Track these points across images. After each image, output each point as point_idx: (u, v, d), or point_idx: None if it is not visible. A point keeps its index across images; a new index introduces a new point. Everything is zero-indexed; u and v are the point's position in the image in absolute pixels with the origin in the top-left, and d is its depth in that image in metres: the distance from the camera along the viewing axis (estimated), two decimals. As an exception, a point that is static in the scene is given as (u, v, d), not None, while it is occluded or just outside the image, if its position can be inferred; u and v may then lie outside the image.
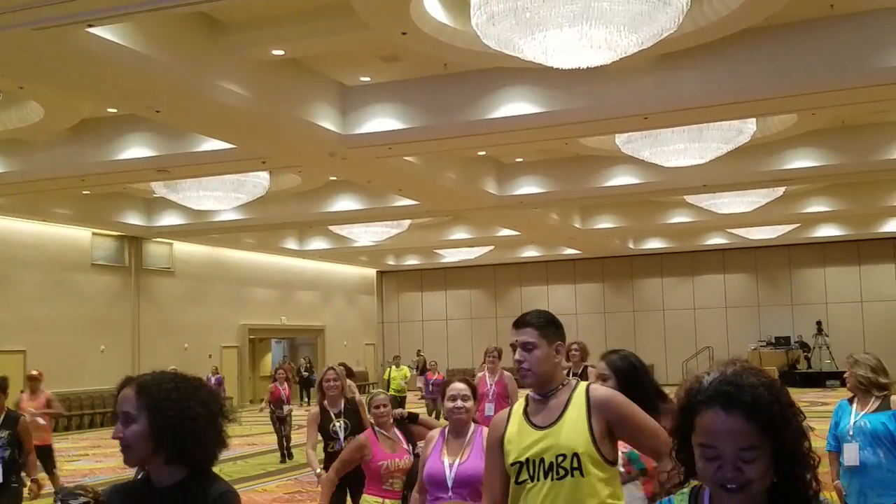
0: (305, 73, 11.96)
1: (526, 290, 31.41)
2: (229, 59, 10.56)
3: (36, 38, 8.59)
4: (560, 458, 2.66)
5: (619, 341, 30.65)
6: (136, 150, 14.00)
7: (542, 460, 2.68)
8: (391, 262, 31.53)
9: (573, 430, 2.70)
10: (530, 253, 29.29)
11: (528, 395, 2.87)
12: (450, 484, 3.70)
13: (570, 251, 28.66)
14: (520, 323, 2.82)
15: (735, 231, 25.58)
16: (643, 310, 30.45)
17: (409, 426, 5.06)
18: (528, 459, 2.70)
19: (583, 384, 2.83)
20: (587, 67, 9.94)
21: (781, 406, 1.59)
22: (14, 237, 19.31)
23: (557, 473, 2.66)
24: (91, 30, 8.55)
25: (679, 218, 23.00)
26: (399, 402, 17.70)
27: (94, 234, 21.28)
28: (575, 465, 2.65)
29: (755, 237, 25.86)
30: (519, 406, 2.86)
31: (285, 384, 13.89)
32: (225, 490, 2.19)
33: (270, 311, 27.29)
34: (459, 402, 3.81)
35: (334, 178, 17.91)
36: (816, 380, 25.37)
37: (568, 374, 8.92)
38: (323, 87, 12.31)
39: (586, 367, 8.54)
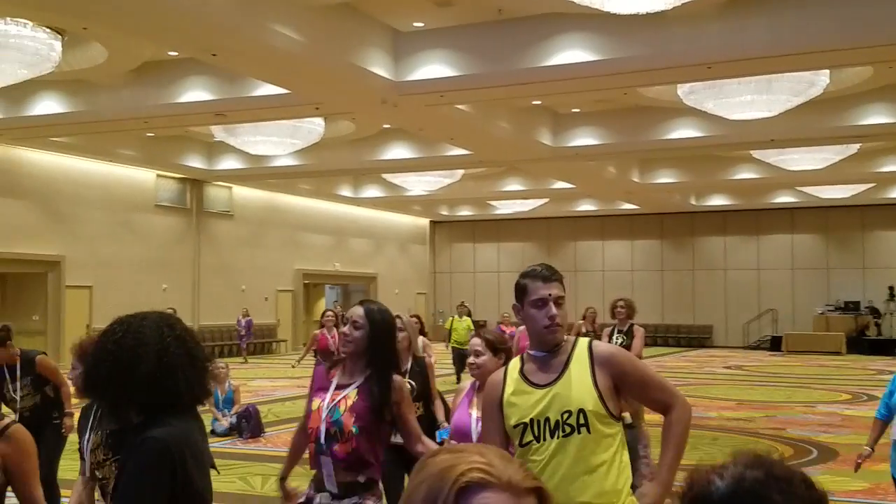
0: (359, 18, 11.88)
1: (580, 245, 31.08)
2: (283, 3, 10.55)
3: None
4: (565, 415, 2.59)
5: (677, 299, 30.37)
6: (195, 93, 14.18)
7: (546, 419, 2.61)
8: (444, 213, 31.53)
9: (578, 386, 2.62)
10: (586, 207, 28.89)
11: (525, 353, 2.78)
12: (474, 437, 3.60)
13: (627, 206, 28.20)
14: (548, 277, 2.70)
15: (804, 189, 24.84)
16: (703, 268, 29.86)
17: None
18: (532, 420, 2.63)
19: (584, 340, 2.74)
20: (647, 13, 9.70)
21: None
22: (82, 177, 19.82)
23: (563, 430, 2.59)
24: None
25: (744, 174, 22.38)
26: (462, 354, 17.48)
27: (158, 175, 21.73)
28: (581, 421, 2.58)
29: (826, 196, 25.02)
30: (514, 366, 2.77)
31: (334, 331, 10.98)
32: (149, 436, 2.10)
33: (325, 257, 27.59)
34: (471, 359, 3.73)
35: (388, 126, 17.89)
36: (886, 347, 24.55)
37: (613, 332, 8.72)
38: (376, 32, 12.22)
39: (632, 325, 8.34)
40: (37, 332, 19.00)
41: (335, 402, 3.28)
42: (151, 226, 21.63)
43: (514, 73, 12.21)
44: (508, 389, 2.70)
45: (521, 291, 2.72)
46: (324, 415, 3.27)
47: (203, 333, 19.61)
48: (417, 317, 7.42)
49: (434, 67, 12.42)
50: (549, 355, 2.69)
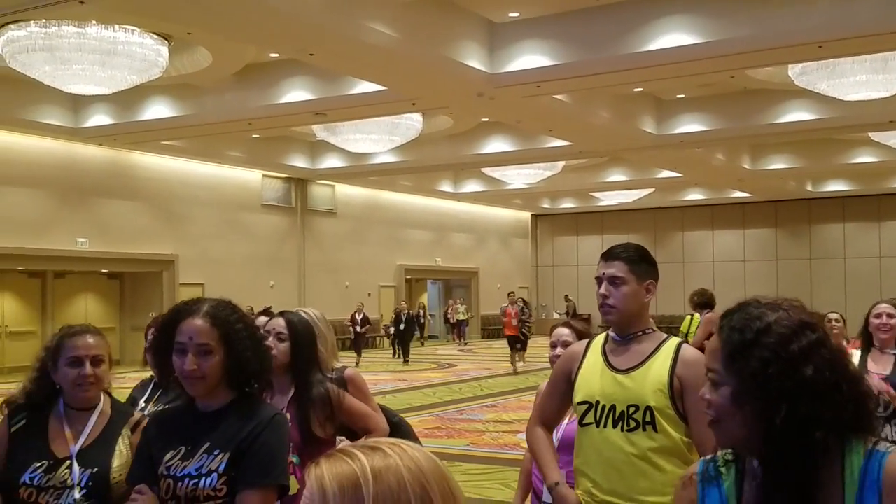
0: (453, 11, 11.78)
1: (689, 235, 30.18)
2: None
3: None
4: (632, 409, 2.48)
5: (793, 290, 28.80)
6: (295, 93, 14.43)
7: (612, 407, 2.50)
8: (546, 206, 31.16)
9: (652, 381, 2.47)
10: (694, 196, 28.06)
11: (608, 332, 2.67)
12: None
13: (738, 194, 27.20)
14: (609, 255, 2.61)
15: (928, 172, 23.37)
16: (821, 257, 28.55)
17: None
18: (597, 402, 2.54)
19: (676, 339, 2.58)
20: (751, -9, 9.24)
21: (760, 350, 1.44)
22: (193, 178, 20.51)
23: (628, 424, 2.48)
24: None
25: (863, 157, 21.30)
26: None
27: (264, 175, 22.29)
28: (648, 419, 2.45)
29: (952, 179, 23.50)
30: (598, 341, 2.67)
31: None
32: (276, 412, 2.30)
33: (426, 253, 27.76)
34: (559, 350, 3.33)
35: (485, 120, 17.75)
36: None
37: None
38: (471, 24, 12.10)
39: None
40: (154, 329, 19.79)
41: None
42: (258, 224, 22.19)
43: (613, 59, 11.86)
44: (586, 363, 2.62)
45: None
46: None
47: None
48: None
49: (530, 58, 12.20)
50: (632, 341, 2.56)
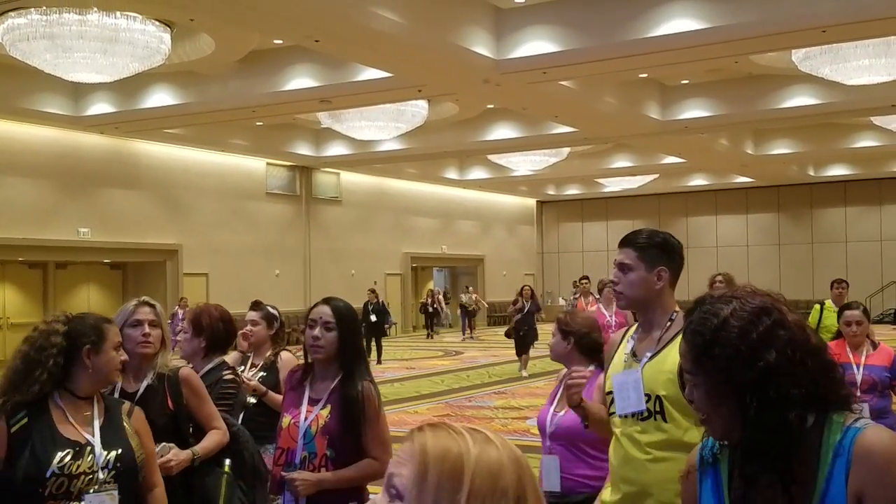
0: (460, -3, 11.77)
1: (693, 221, 30.22)
2: (383, -16, 10.54)
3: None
4: (645, 399, 2.45)
5: (795, 274, 29.16)
6: (300, 80, 14.38)
7: None
8: (551, 192, 31.18)
9: (665, 370, 2.41)
10: (698, 181, 28.11)
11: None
12: (548, 431, 3.36)
13: (741, 179, 27.27)
14: (622, 242, 2.62)
15: (930, 156, 23.40)
16: (823, 241, 28.65)
17: None
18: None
19: None
20: (757, -24, 9.25)
21: (721, 347, 1.49)
22: (196, 167, 20.41)
23: (641, 414, 2.46)
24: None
25: (865, 142, 21.33)
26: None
27: (268, 164, 22.23)
28: (657, 408, 2.43)
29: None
30: (632, 329, 2.67)
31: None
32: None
33: (432, 240, 27.75)
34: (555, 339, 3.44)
35: (491, 106, 17.75)
36: None
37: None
38: (477, 10, 12.09)
39: None
40: (158, 319, 19.76)
41: (308, 420, 2.94)
42: (263, 213, 22.15)
43: (618, 45, 11.86)
44: (618, 351, 2.62)
45: None
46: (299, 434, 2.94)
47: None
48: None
49: (536, 44, 12.19)
50: (654, 328, 2.55)
